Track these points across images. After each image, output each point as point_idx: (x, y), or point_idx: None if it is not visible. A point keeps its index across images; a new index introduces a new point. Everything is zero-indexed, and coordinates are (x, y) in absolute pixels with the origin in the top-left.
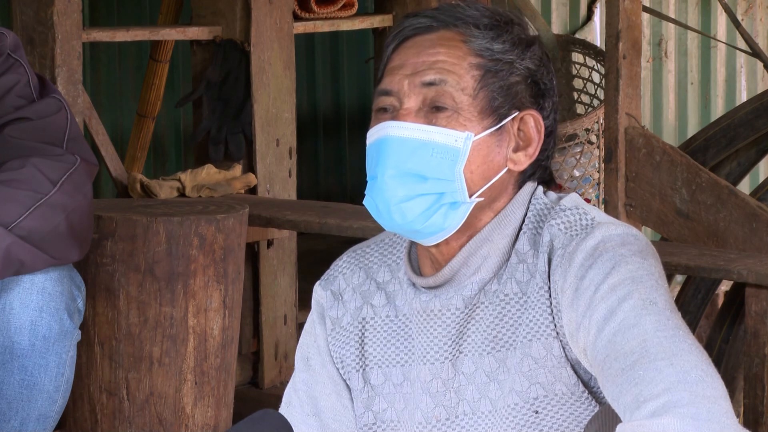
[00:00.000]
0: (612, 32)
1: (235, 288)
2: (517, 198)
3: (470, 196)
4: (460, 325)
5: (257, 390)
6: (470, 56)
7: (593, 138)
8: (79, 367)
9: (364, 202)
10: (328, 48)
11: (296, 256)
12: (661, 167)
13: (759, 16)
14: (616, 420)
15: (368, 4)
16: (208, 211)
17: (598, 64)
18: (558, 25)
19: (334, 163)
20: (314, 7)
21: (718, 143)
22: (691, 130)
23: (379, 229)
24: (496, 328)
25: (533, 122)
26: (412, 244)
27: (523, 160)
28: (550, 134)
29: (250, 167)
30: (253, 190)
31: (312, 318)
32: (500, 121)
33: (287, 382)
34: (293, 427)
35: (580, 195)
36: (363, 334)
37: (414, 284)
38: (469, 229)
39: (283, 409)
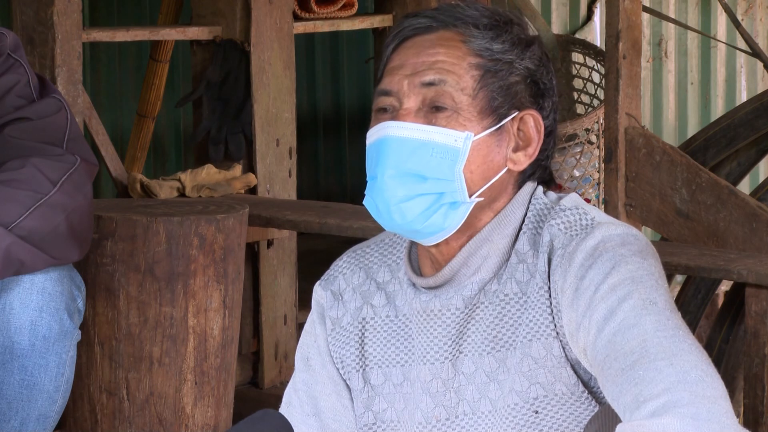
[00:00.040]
0: (612, 32)
1: (235, 288)
2: (517, 198)
3: (470, 196)
4: (460, 325)
5: (257, 390)
6: (470, 56)
7: (593, 138)
8: (79, 367)
9: (364, 202)
10: (328, 48)
11: (296, 256)
12: (661, 167)
13: (759, 16)
14: (616, 420)
15: (368, 4)
16: (208, 211)
17: (598, 64)
18: (558, 25)
19: (334, 163)
20: (314, 7)
21: (718, 143)
22: (691, 130)
23: (379, 229)
24: (496, 328)
25: (533, 122)
26: (413, 245)
27: (523, 160)
28: (549, 134)
29: (250, 167)
30: (253, 190)
31: (312, 318)
32: (500, 121)
33: (287, 382)
34: (293, 427)
35: (580, 195)
36: (363, 334)
37: (414, 284)
38: (469, 229)
39: (283, 409)
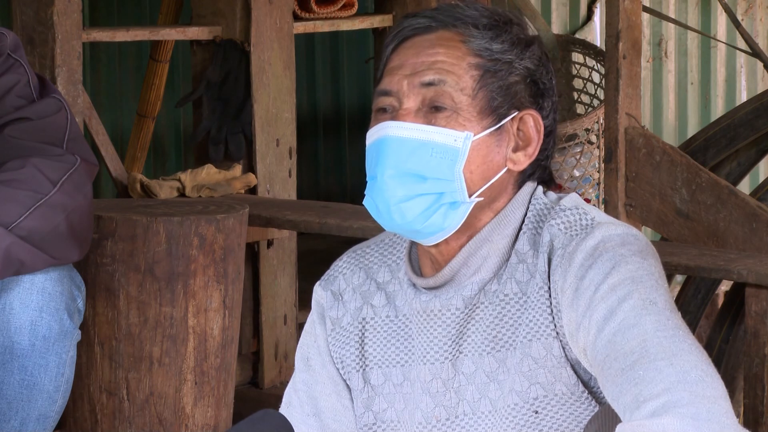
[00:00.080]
0: (612, 32)
1: (235, 288)
2: (517, 198)
3: (470, 195)
4: (460, 326)
5: (257, 390)
6: (469, 56)
7: (593, 138)
8: (79, 367)
9: (363, 203)
10: (328, 48)
11: (296, 256)
12: (661, 167)
13: (759, 16)
14: (615, 420)
15: (368, 4)
16: (208, 211)
17: (598, 64)
18: (558, 25)
19: (334, 163)
20: (314, 7)
21: (718, 143)
22: (691, 130)
23: (379, 229)
24: (496, 329)
25: (532, 122)
26: (413, 245)
27: (523, 160)
28: (549, 134)
29: (250, 167)
30: (253, 190)
31: (312, 318)
32: (499, 120)
33: (287, 382)
34: (293, 428)
35: (580, 195)
36: (363, 334)
37: (414, 285)
38: (469, 229)
39: (284, 409)
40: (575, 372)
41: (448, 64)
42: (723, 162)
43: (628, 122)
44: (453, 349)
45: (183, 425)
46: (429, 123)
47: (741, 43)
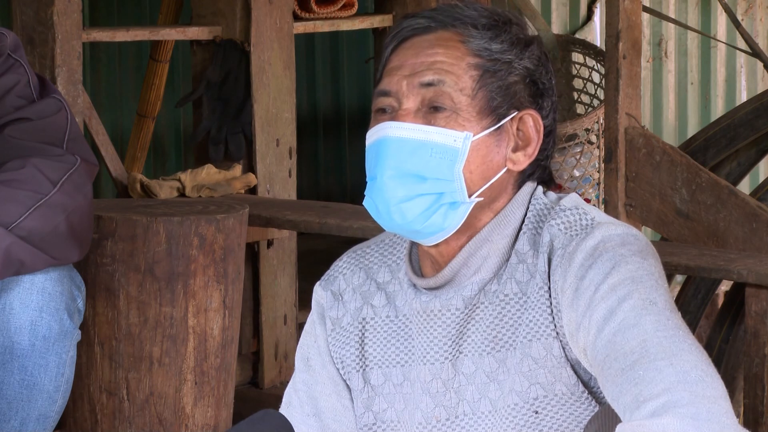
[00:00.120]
0: (612, 32)
1: (235, 288)
2: (517, 198)
3: (470, 196)
4: (460, 326)
5: (257, 390)
6: (468, 56)
7: (593, 138)
8: (79, 367)
9: (363, 203)
10: (328, 48)
11: (296, 256)
12: (661, 167)
13: (759, 16)
14: (615, 420)
15: (368, 4)
16: (208, 211)
17: (598, 64)
18: (558, 25)
19: (334, 163)
20: (314, 7)
21: (718, 143)
22: (691, 130)
23: (379, 229)
24: (496, 329)
25: (532, 122)
26: (413, 245)
27: (523, 160)
28: (549, 134)
29: (250, 167)
30: (253, 190)
31: (312, 318)
32: (499, 121)
33: (287, 382)
34: (293, 428)
35: (580, 195)
36: (363, 334)
37: (414, 285)
38: (469, 229)
39: (284, 410)
40: (575, 372)
41: (447, 65)
42: (723, 162)
43: (628, 122)
44: (453, 349)
45: (183, 425)
46: (428, 123)
47: (741, 43)
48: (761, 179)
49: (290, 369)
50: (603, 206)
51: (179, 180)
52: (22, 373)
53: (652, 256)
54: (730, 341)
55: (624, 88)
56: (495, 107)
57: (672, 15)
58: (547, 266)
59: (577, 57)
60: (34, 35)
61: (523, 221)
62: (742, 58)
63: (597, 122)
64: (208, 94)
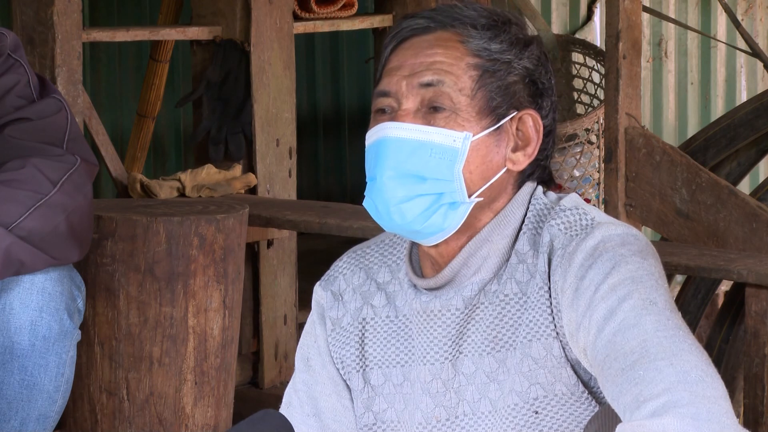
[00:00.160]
0: (612, 32)
1: (235, 288)
2: (517, 198)
3: (469, 196)
4: (460, 326)
5: (257, 390)
6: (468, 56)
7: (593, 138)
8: (79, 367)
9: (363, 203)
10: (328, 48)
11: (296, 256)
12: (661, 167)
13: (759, 16)
14: (616, 420)
15: (368, 4)
16: (208, 211)
17: (598, 64)
18: (558, 25)
19: (334, 163)
20: (314, 7)
21: (718, 143)
22: (691, 130)
23: (379, 229)
24: (496, 329)
25: (532, 122)
26: (413, 245)
27: (522, 160)
28: (549, 134)
29: (250, 167)
30: (253, 190)
31: (312, 318)
32: (498, 121)
33: (287, 382)
34: (293, 428)
35: (580, 195)
36: (363, 334)
37: (415, 285)
38: (469, 229)
39: (284, 410)
40: (575, 372)
41: (446, 65)
42: (723, 162)
43: (628, 122)
44: (453, 349)
45: (183, 425)
46: (428, 123)
47: (741, 43)
48: (761, 179)
49: (290, 369)
50: (603, 206)
51: (179, 180)
52: (22, 373)
53: (652, 256)
54: (730, 341)
55: (624, 88)
56: (494, 107)
57: (672, 15)
58: (547, 266)
59: (577, 57)
60: (34, 35)
61: (523, 221)
62: (742, 58)
63: (597, 122)
64: (208, 94)
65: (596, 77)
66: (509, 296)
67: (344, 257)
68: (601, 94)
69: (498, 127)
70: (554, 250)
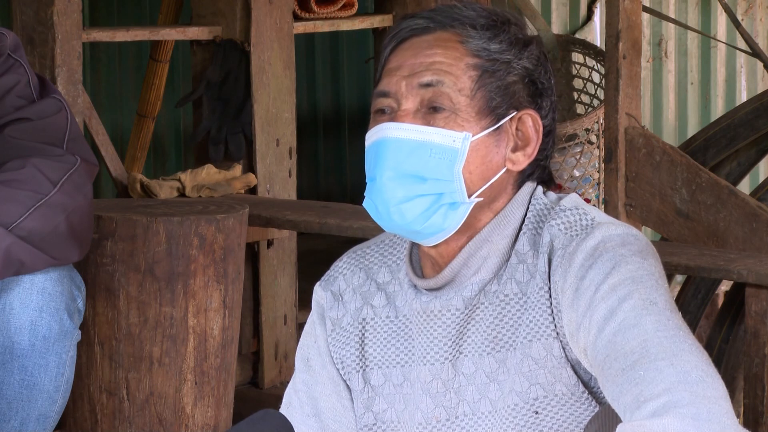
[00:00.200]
0: (612, 32)
1: (235, 288)
2: (517, 198)
3: (469, 196)
4: (460, 326)
5: (257, 390)
6: (467, 57)
7: (593, 138)
8: (79, 367)
9: (363, 204)
10: (328, 48)
11: (296, 256)
12: (661, 167)
13: (759, 16)
14: (616, 420)
15: (368, 4)
16: (208, 211)
17: (598, 64)
18: (558, 25)
19: (334, 163)
20: (314, 7)
21: (718, 143)
22: (691, 130)
23: (379, 229)
24: (496, 329)
25: (531, 122)
26: (414, 246)
27: (522, 160)
28: (548, 134)
29: (250, 167)
30: (253, 190)
31: (312, 319)
32: (498, 121)
33: (287, 382)
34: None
35: (580, 195)
36: (363, 334)
37: (415, 285)
38: (469, 229)
39: (284, 410)
40: (575, 372)
41: (446, 65)
42: (723, 162)
43: (628, 122)
44: (453, 349)
45: (183, 425)
46: (427, 124)
47: (741, 43)
48: (761, 179)
49: (290, 369)
50: (603, 206)
51: (179, 180)
52: (22, 373)
53: (652, 256)
54: (730, 341)
55: (624, 88)
56: (494, 107)
57: (672, 15)
58: (547, 266)
59: (577, 57)
60: (34, 35)
61: (523, 221)
62: (742, 58)
63: (597, 122)
64: (208, 94)
65: (596, 77)
66: (509, 296)
67: (344, 257)
68: (601, 94)
69: (497, 127)
70: (554, 250)
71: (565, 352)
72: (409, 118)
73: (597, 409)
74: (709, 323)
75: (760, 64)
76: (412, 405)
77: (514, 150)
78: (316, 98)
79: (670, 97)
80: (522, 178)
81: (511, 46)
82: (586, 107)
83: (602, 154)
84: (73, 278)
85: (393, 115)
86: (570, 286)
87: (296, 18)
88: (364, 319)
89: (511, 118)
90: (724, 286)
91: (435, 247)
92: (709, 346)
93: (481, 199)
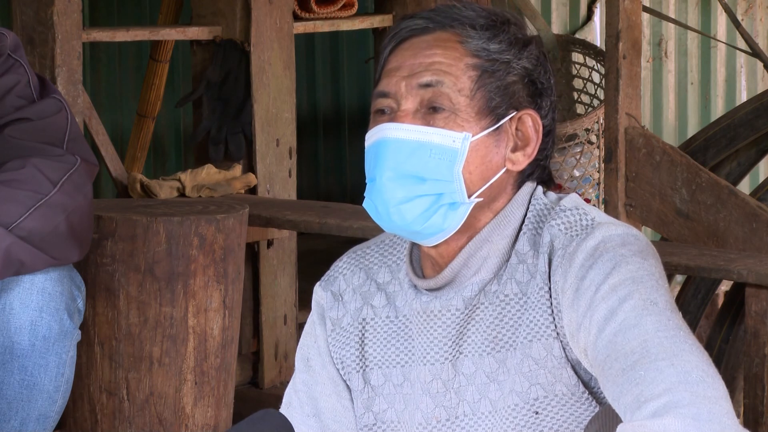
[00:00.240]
0: (612, 32)
1: (235, 288)
2: (517, 198)
3: (469, 196)
4: (460, 326)
5: (257, 390)
6: (467, 57)
7: (593, 138)
8: (79, 367)
9: (363, 204)
10: (328, 48)
11: (296, 256)
12: (661, 167)
13: (759, 16)
14: (616, 420)
15: (368, 4)
16: (208, 211)
17: (598, 64)
18: (558, 25)
19: (334, 163)
20: (314, 7)
21: (718, 143)
22: (691, 130)
23: (379, 230)
24: (496, 329)
25: (531, 122)
26: (414, 246)
27: (522, 160)
28: (548, 134)
29: (250, 167)
30: (253, 190)
31: (312, 319)
32: (498, 121)
33: (287, 382)
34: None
35: (580, 195)
36: (363, 334)
37: (415, 286)
38: (469, 229)
39: (284, 410)
40: (576, 372)
41: (445, 65)
42: (723, 162)
43: (628, 122)
44: (453, 349)
45: (183, 425)
46: (427, 124)
47: (741, 43)
48: (761, 179)
49: (290, 369)
50: (603, 206)
51: (179, 180)
52: (22, 373)
53: (652, 257)
54: (730, 341)
55: (624, 88)
56: (494, 107)
57: (672, 15)
58: (547, 267)
59: (577, 57)
60: (34, 35)
61: (523, 221)
62: (742, 58)
63: (597, 122)
64: (208, 94)
65: (596, 77)
66: (509, 296)
67: (344, 257)
68: (601, 94)
69: (497, 128)
70: (554, 250)
71: (565, 352)
72: (409, 118)
73: (597, 409)
74: (709, 323)
75: (760, 64)
76: (412, 405)
77: (514, 150)
78: (316, 98)
79: (670, 97)
80: (522, 178)
81: (511, 46)
82: (586, 107)
83: (602, 154)
84: (73, 278)
85: (393, 116)
86: (570, 286)
87: (296, 18)
88: (364, 319)
89: (510, 118)
90: (724, 286)
91: (435, 247)
92: (709, 346)
93: (481, 199)
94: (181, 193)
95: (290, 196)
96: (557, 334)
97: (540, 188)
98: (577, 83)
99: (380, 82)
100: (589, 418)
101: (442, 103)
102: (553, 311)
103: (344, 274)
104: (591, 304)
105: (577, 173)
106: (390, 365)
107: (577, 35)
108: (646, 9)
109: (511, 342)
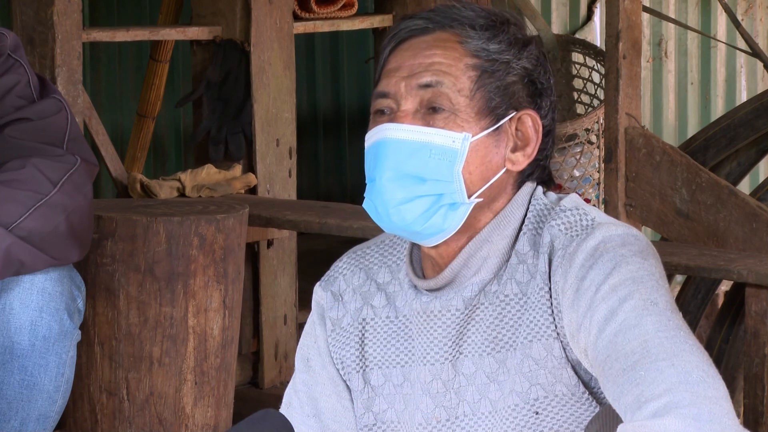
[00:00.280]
0: (612, 32)
1: (235, 288)
2: (517, 198)
3: (469, 196)
4: (460, 326)
5: (257, 390)
6: (466, 57)
7: (593, 138)
8: (79, 367)
9: (363, 205)
10: (328, 48)
11: (296, 256)
12: (661, 167)
13: (759, 16)
14: (616, 420)
15: (368, 4)
16: (208, 211)
17: (598, 64)
18: (558, 25)
19: (334, 163)
20: (314, 7)
21: (718, 143)
22: (691, 130)
23: (379, 230)
24: (496, 329)
25: (531, 122)
26: (414, 246)
27: (522, 160)
28: (548, 134)
29: (250, 167)
30: (253, 190)
31: (312, 319)
32: (498, 121)
33: (287, 382)
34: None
35: (580, 195)
36: (363, 335)
37: (415, 286)
38: (469, 230)
39: (284, 410)
40: (576, 373)
41: (445, 66)
42: (723, 162)
43: (628, 122)
44: (453, 350)
45: (183, 425)
46: (427, 124)
47: (741, 43)
48: (761, 179)
49: (290, 369)
50: (603, 206)
51: (179, 180)
52: (22, 373)
53: (652, 257)
54: (730, 341)
55: (624, 88)
56: (493, 107)
57: (672, 15)
58: (547, 267)
59: (577, 57)
60: (34, 35)
61: (523, 221)
62: (742, 58)
63: (597, 122)
64: (208, 94)
65: (596, 77)
66: (509, 297)
67: (344, 258)
68: (601, 94)
69: (497, 128)
70: (555, 250)
71: (565, 352)
72: (409, 118)
73: (597, 409)
74: (709, 323)
75: (760, 64)
76: (412, 405)
77: (514, 150)
78: (316, 98)
79: (670, 97)
80: (522, 178)
81: (511, 46)
82: (586, 107)
83: (602, 154)
84: (73, 278)
85: (392, 116)
86: (570, 286)
87: (296, 18)
88: (364, 320)
89: (510, 119)
90: (724, 286)
91: (435, 247)
92: (709, 346)
93: (481, 199)
94: (181, 193)
95: (290, 196)
96: (557, 334)
97: (540, 188)
98: (577, 83)
99: (380, 83)
100: (590, 418)
101: (441, 103)
102: (553, 311)
103: (344, 274)
104: (591, 304)
105: (577, 173)
106: (390, 365)
107: (577, 35)
108: (646, 9)
109: (511, 342)
